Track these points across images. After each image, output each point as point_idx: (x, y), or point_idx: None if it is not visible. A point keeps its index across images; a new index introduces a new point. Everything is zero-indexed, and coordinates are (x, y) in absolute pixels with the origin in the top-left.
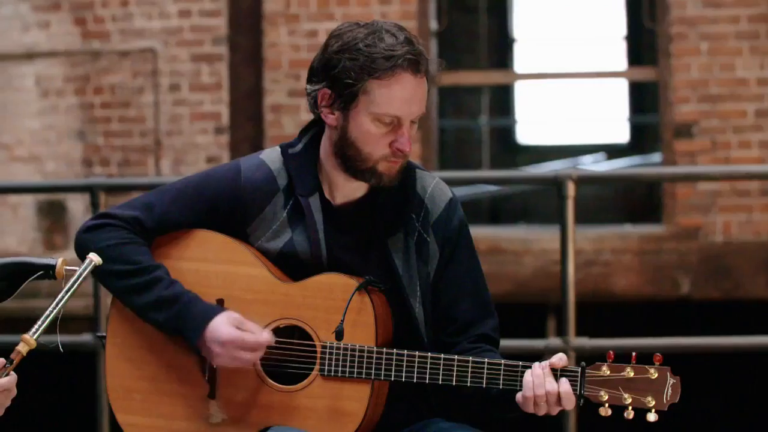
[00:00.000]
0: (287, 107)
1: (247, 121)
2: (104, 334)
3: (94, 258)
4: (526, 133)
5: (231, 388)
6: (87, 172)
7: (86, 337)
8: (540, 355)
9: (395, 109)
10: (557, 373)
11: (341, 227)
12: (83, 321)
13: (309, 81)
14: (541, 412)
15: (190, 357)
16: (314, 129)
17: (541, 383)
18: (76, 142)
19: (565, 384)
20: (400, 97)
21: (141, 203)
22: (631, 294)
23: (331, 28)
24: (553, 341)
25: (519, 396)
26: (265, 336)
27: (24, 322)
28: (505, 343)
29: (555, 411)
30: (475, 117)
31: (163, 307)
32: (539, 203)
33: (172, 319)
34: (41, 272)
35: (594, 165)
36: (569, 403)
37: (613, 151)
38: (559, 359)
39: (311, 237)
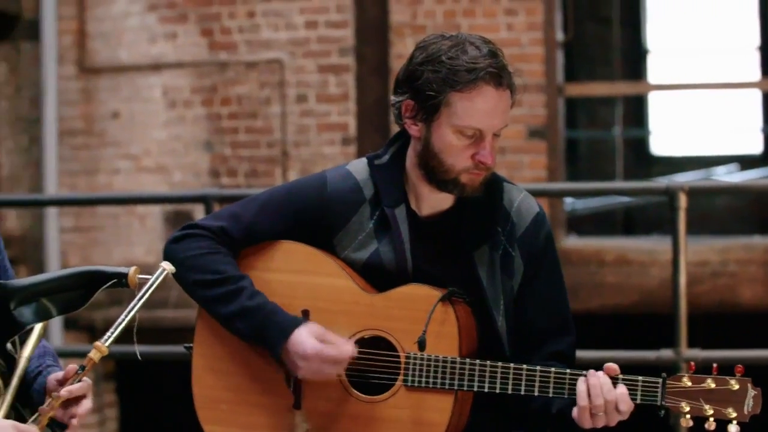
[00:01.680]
0: None
1: (374, 132)
2: (191, 345)
3: (166, 267)
4: (659, 144)
5: (315, 399)
6: (214, 182)
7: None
8: (654, 367)
9: (477, 121)
10: (616, 380)
11: (427, 239)
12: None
13: (394, 92)
14: (600, 423)
15: (275, 367)
16: (401, 140)
17: (599, 393)
18: (203, 153)
19: (622, 388)
20: (482, 110)
21: (228, 214)
22: (757, 305)
23: None
24: (665, 353)
25: (574, 411)
26: (348, 349)
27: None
28: (613, 354)
29: (614, 421)
30: (609, 128)
31: (246, 318)
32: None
33: (255, 329)
34: (114, 281)
35: (727, 176)
36: (626, 406)
37: (746, 162)
38: (614, 368)
39: (397, 248)
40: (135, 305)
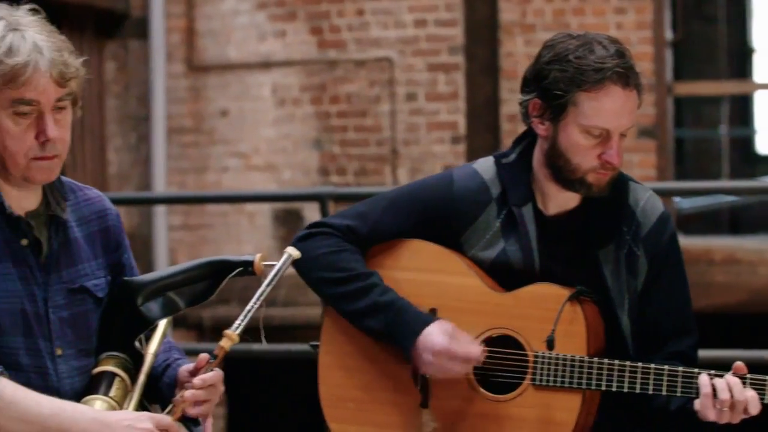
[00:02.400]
0: None
1: (484, 131)
2: (317, 343)
3: (291, 252)
4: (765, 143)
5: (443, 398)
6: (323, 180)
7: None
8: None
9: (604, 121)
10: (745, 380)
11: (553, 238)
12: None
13: (522, 91)
14: (724, 419)
15: (403, 366)
16: (527, 139)
17: (724, 387)
18: (312, 151)
19: (752, 391)
20: (609, 110)
21: (354, 212)
22: None
23: None
24: None
25: (697, 403)
26: (476, 350)
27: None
28: (726, 353)
29: (738, 419)
30: (715, 127)
31: (376, 314)
32: None
33: (385, 325)
34: (240, 269)
35: None
36: (756, 409)
37: None
38: (742, 367)
39: (524, 247)
40: (263, 291)
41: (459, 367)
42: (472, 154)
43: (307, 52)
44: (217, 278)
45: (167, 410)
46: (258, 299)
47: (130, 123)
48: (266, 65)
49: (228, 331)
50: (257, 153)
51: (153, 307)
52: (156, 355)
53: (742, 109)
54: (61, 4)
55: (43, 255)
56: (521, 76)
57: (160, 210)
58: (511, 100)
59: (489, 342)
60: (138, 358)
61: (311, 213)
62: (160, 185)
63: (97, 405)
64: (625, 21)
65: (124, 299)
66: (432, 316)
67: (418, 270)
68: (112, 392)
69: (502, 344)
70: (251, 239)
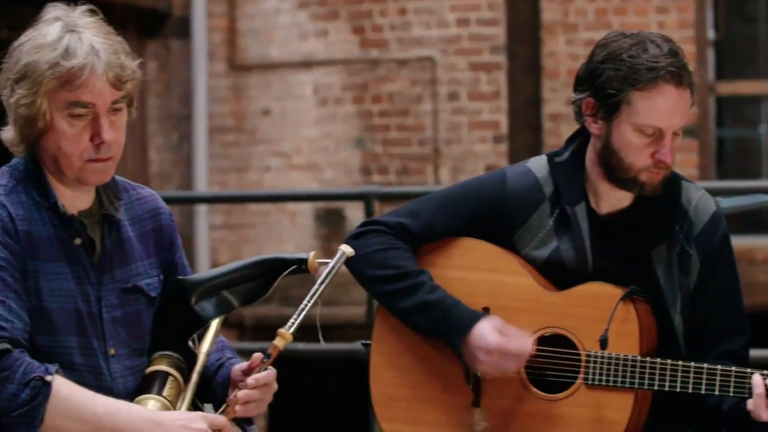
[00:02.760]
0: (566, 116)
1: (526, 130)
2: (369, 342)
3: (345, 249)
4: None
5: (495, 397)
6: (365, 180)
7: (357, 345)
8: None
9: (657, 120)
10: None
11: (606, 237)
12: (363, 328)
13: (575, 89)
14: None
15: (454, 365)
16: (580, 138)
17: None
18: (354, 150)
19: None
20: (663, 109)
21: (407, 211)
22: None
23: None
24: None
25: (749, 403)
26: (528, 343)
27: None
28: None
29: None
30: (754, 126)
31: (426, 311)
32: None
33: (435, 323)
34: (294, 267)
35: None
36: None
37: None
38: None
39: (577, 246)
40: (317, 289)
41: (513, 363)
42: (514, 154)
43: (349, 51)
44: (270, 277)
45: (221, 410)
46: (312, 297)
47: (172, 122)
48: (308, 64)
49: (282, 330)
50: (299, 152)
51: (207, 306)
52: (209, 354)
53: None
54: (103, 3)
55: (97, 254)
56: (563, 75)
57: (201, 209)
58: (552, 99)
59: (541, 341)
60: (191, 358)
61: (353, 212)
62: (202, 184)
63: (150, 404)
64: (667, 20)
65: (177, 298)
66: (482, 312)
67: (471, 269)
68: (165, 392)
69: (554, 343)
70: (293, 238)
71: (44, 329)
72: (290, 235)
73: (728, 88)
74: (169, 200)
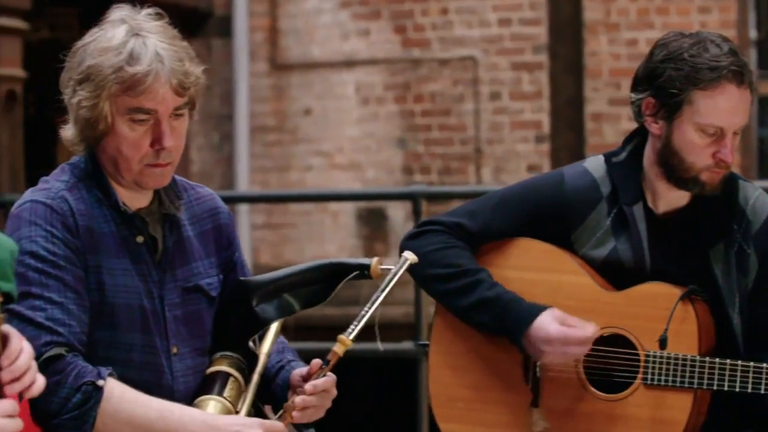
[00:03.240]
0: (608, 116)
1: (567, 130)
2: (427, 342)
3: (409, 256)
4: None
5: (554, 397)
6: (407, 179)
7: (406, 345)
8: None
9: (719, 120)
10: None
11: (663, 236)
12: (403, 329)
13: (633, 89)
14: None
15: (513, 365)
16: (637, 138)
17: None
18: (396, 150)
19: None
20: (724, 108)
21: (464, 211)
22: None
23: (650, 37)
24: None
25: None
26: (591, 329)
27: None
28: None
29: None
30: None
31: (486, 308)
32: None
33: (496, 319)
34: (357, 272)
35: None
36: None
37: None
38: None
39: (635, 246)
40: (379, 296)
41: (576, 349)
42: (556, 153)
43: (390, 50)
44: (333, 281)
45: (278, 415)
46: (373, 303)
47: (213, 122)
48: (350, 64)
49: (342, 336)
50: (341, 152)
51: (268, 308)
52: (269, 355)
53: None
54: (144, 2)
55: (158, 253)
56: (605, 74)
57: (242, 209)
58: (594, 98)
59: (600, 341)
60: (251, 358)
61: (395, 212)
62: (243, 184)
63: (211, 405)
64: (709, 20)
65: (239, 299)
66: (541, 305)
67: (529, 269)
68: (226, 392)
69: (613, 343)
70: (334, 238)
71: (106, 325)
72: (332, 234)
73: None
74: None
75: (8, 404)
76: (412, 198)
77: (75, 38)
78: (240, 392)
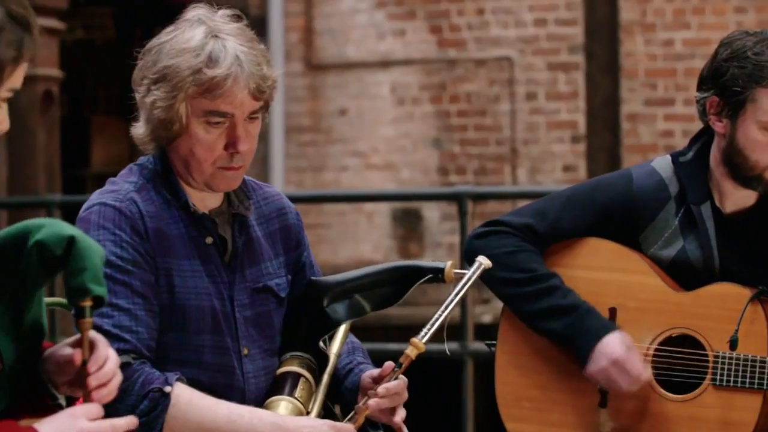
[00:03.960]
0: (644, 116)
1: (603, 130)
2: (494, 342)
3: (483, 261)
4: None
5: (622, 397)
6: (443, 180)
7: (450, 345)
8: None
9: None
10: None
11: (731, 236)
12: (439, 330)
13: (698, 89)
14: None
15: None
16: (704, 137)
17: None
18: (432, 150)
19: None
20: None
21: (532, 210)
22: None
23: (686, 37)
24: None
25: None
26: (647, 373)
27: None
28: None
29: None
30: None
31: (557, 317)
32: None
33: (566, 328)
34: (430, 275)
35: None
36: None
37: None
38: None
39: (704, 246)
40: (452, 300)
41: (627, 382)
42: (592, 154)
43: (426, 51)
44: (405, 284)
45: (348, 417)
46: (447, 308)
47: None
48: (385, 64)
49: (415, 340)
50: (376, 152)
51: (339, 308)
52: (339, 355)
53: None
54: (179, 3)
55: (228, 254)
56: (641, 75)
57: None
58: (631, 99)
59: (668, 341)
60: (321, 359)
61: (431, 213)
62: (278, 184)
63: (282, 406)
64: (746, 20)
65: (309, 299)
66: (614, 324)
67: (597, 269)
68: (297, 393)
69: (681, 344)
70: (369, 238)
71: (176, 327)
72: (367, 235)
73: None
74: None
75: (95, 408)
76: (458, 198)
77: (110, 38)
78: (311, 393)
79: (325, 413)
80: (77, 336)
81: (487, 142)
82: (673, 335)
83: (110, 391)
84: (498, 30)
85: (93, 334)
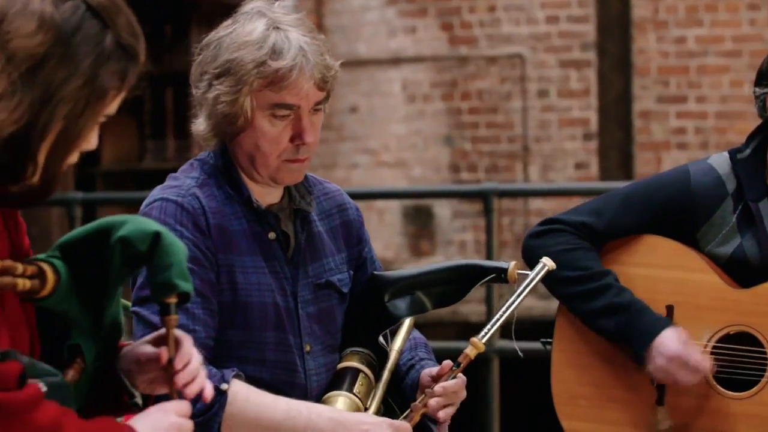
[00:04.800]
0: (656, 113)
1: (615, 128)
2: (550, 340)
3: (547, 262)
4: None
5: (679, 395)
6: (454, 177)
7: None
8: None
9: None
10: None
11: None
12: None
13: (757, 84)
14: None
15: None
16: (762, 134)
17: None
18: (443, 148)
19: None
20: None
21: (589, 209)
22: None
23: (699, 34)
24: None
25: None
26: (708, 363)
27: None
28: None
29: None
30: None
31: (611, 315)
32: None
33: (621, 326)
34: (493, 275)
35: None
36: None
37: None
38: None
39: (762, 243)
40: (515, 300)
41: (689, 376)
42: (604, 151)
43: (437, 48)
44: (467, 282)
45: (404, 414)
46: (508, 308)
47: None
48: (396, 61)
49: (474, 339)
50: (387, 149)
51: (400, 304)
52: (401, 352)
53: None
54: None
55: (290, 249)
56: (653, 72)
57: None
58: (643, 96)
59: (726, 339)
60: (382, 354)
61: (442, 210)
62: None
63: (340, 401)
64: (758, 17)
65: (371, 294)
66: (668, 320)
67: (655, 266)
68: (356, 388)
69: (739, 341)
70: (380, 236)
71: (239, 324)
72: (378, 232)
73: None
74: None
75: (185, 405)
76: (483, 196)
77: None
78: (370, 388)
79: (385, 410)
80: (156, 333)
81: (499, 140)
82: (731, 333)
83: (198, 386)
84: (510, 27)
85: (178, 331)
